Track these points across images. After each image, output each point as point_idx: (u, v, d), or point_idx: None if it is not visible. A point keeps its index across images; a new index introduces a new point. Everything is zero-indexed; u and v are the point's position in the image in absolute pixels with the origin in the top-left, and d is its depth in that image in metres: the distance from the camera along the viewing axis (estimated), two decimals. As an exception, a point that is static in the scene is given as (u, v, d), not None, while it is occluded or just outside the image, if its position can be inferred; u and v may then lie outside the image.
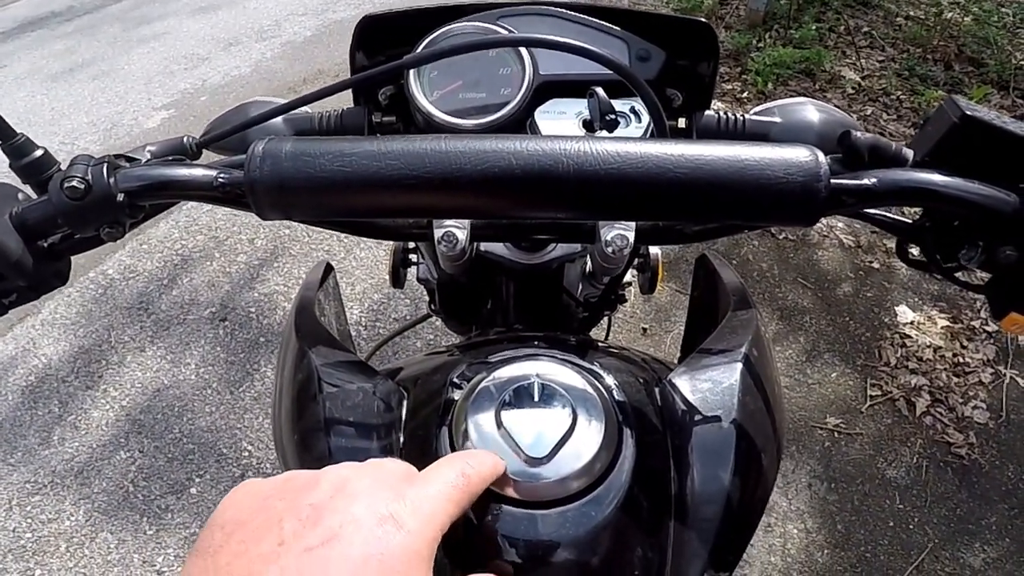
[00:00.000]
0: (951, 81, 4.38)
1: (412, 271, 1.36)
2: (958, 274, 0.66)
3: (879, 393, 2.60)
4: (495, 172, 0.53)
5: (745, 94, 4.25)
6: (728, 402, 0.71)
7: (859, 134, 0.62)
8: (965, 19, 4.87)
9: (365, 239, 3.06)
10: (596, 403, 0.67)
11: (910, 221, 0.67)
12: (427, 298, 1.44)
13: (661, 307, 2.94)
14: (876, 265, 3.08)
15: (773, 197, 0.54)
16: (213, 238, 3.36)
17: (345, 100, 0.96)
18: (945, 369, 2.65)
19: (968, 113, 0.57)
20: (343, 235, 3.16)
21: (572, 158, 0.53)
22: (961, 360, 2.68)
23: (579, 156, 0.53)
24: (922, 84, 4.34)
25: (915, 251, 0.69)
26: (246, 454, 2.45)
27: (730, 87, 4.37)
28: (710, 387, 0.72)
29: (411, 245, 1.34)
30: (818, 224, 3.17)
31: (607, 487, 0.64)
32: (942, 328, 2.79)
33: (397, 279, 1.33)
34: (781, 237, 3.23)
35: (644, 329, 2.86)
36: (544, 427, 0.63)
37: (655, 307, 2.94)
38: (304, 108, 0.91)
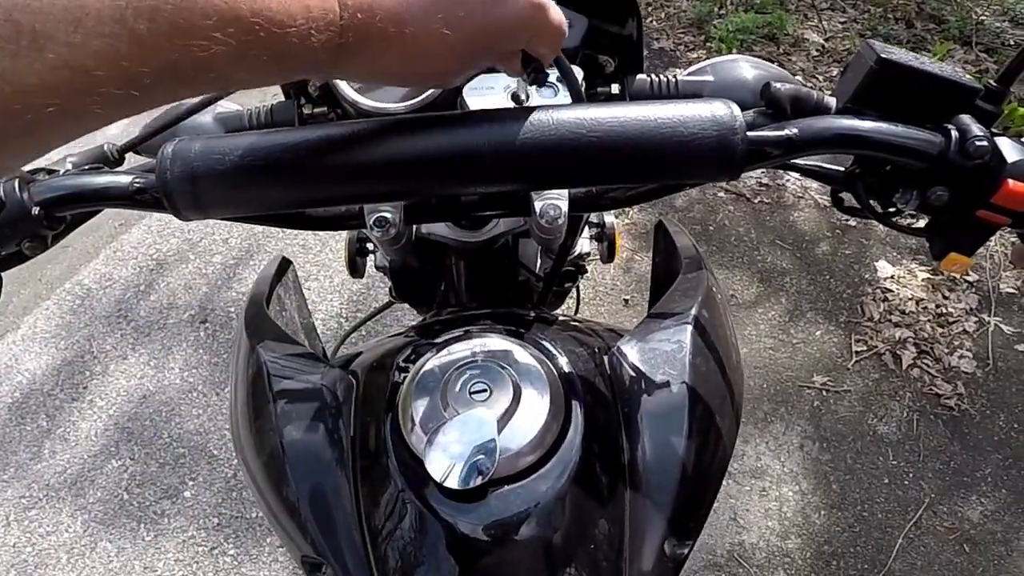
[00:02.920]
0: (913, 39, 4.40)
1: (371, 259, 1.36)
2: (897, 218, 0.67)
3: (864, 348, 2.62)
4: (408, 153, 0.53)
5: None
6: (678, 366, 0.71)
7: (780, 85, 0.63)
8: (923, -24, 4.90)
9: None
10: (541, 376, 0.67)
11: (842, 170, 0.68)
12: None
13: (641, 277, 2.94)
14: (853, 223, 3.10)
15: (689, 154, 0.54)
16: (187, 240, 3.32)
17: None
18: (929, 320, 2.67)
19: (884, 56, 0.58)
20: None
21: (484, 132, 0.53)
22: (944, 311, 2.70)
23: (491, 129, 0.53)
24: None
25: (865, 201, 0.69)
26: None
27: (695, 55, 4.36)
28: (659, 352, 0.73)
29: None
30: (792, 185, 3.21)
31: (557, 461, 0.65)
32: (923, 280, 2.81)
33: (355, 268, 1.31)
34: (756, 201, 3.24)
35: (625, 300, 2.87)
36: (489, 405, 0.63)
37: (635, 278, 2.94)
38: (235, 106, 0.92)
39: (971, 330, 2.63)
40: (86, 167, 0.69)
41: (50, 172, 0.65)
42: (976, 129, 0.57)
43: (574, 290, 1.65)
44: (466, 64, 0.50)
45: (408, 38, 0.44)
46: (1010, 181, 0.56)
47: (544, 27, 0.52)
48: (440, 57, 0.47)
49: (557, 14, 0.54)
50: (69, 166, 0.69)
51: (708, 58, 0.96)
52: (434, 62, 0.47)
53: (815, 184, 3.27)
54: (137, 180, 0.60)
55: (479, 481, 0.58)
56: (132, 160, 0.73)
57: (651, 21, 4.73)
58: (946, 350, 2.57)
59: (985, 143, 0.56)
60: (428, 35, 0.44)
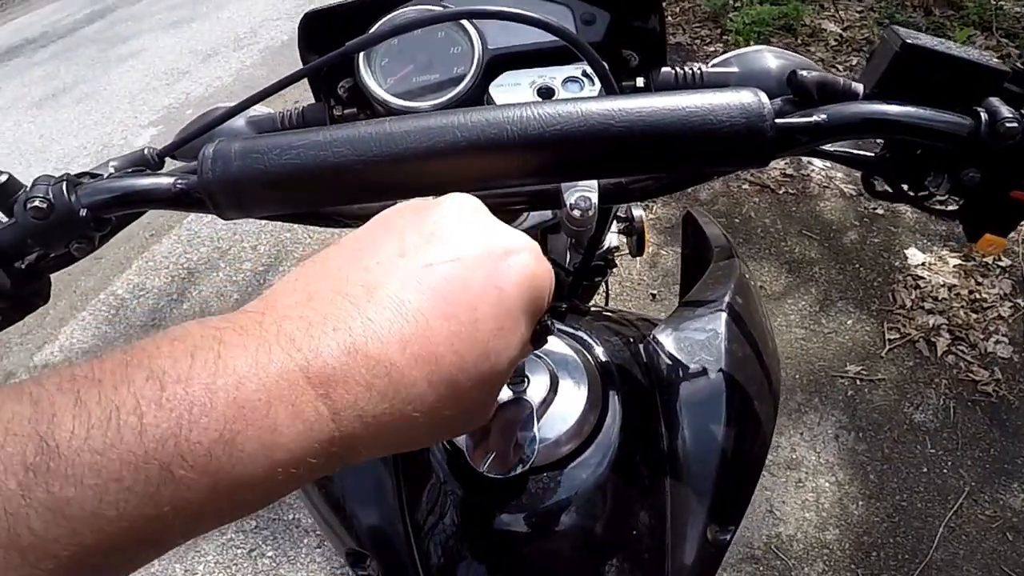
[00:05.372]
0: (932, 26, 4.37)
1: None
2: (929, 202, 0.67)
3: (897, 336, 2.59)
4: (442, 147, 0.54)
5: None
6: (714, 352, 0.72)
7: (806, 72, 0.63)
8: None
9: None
10: (578, 365, 0.68)
11: (872, 155, 0.68)
12: None
13: (668, 272, 2.95)
14: (880, 211, 3.08)
15: (719, 142, 0.55)
16: (216, 249, 3.36)
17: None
18: (962, 306, 2.64)
19: (908, 41, 0.58)
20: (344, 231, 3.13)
21: (515, 124, 0.54)
22: (978, 296, 2.66)
23: (522, 121, 0.54)
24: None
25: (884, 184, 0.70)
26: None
27: (712, 49, 4.36)
28: (694, 339, 0.74)
29: None
30: (817, 175, 3.20)
31: (596, 448, 0.66)
32: (954, 267, 2.78)
33: None
34: (781, 192, 3.23)
35: (653, 295, 2.87)
36: (528, 394, 0.64)
37: (662, 272, 2.95)
38: (267, 109, 0.94)
39: (1006, 315, 2.59)
40: (128, 170, 0.71)
41: (93, 176, 0.66)
42: (1005, 111, 0.57)
43: (603, 285, 1.65)
44: (485, 406, 0.42)
45: (416, 425, 0.36)
46: None
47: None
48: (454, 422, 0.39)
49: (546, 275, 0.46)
50: (111, 170, 0.70)
51: (725, 51, 0.96)
52: (452, 426, 0.40)
53: (840, 173, 3.25)
54: (180, 182, 0.62)
55: (520, 470, 0.58)
56: (170, 165, 0.74)
57: (667, 16, 4.73)
58: (981, 336, 2.54)
59: (1016, 124, 0.56)
60: (431, 415, 0.37)
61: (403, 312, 0.36)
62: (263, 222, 3.12)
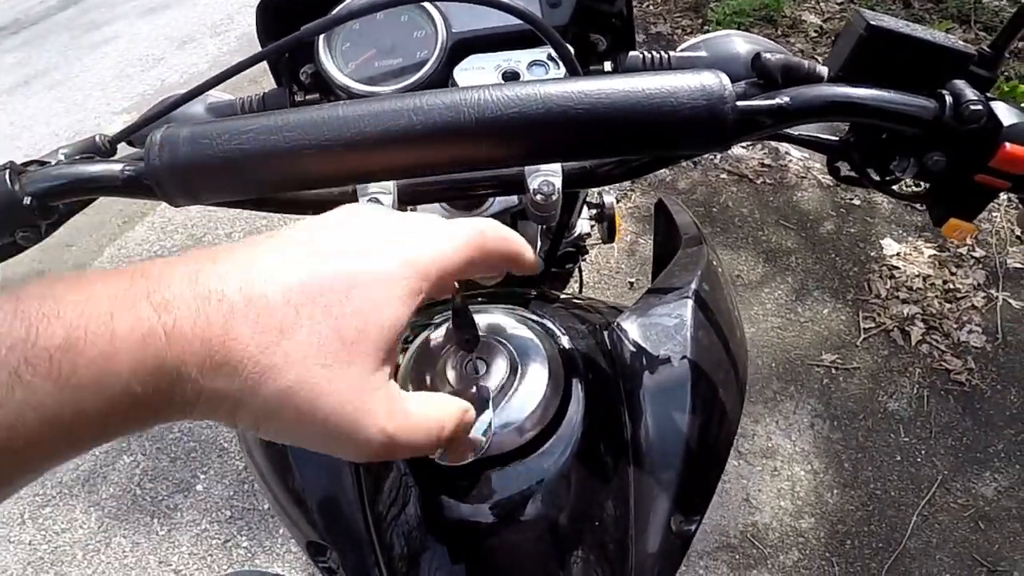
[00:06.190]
0: (912, 18, 4.37)
1: None
2: (895, 186, 0.67)
3: (872, 325, 2.61)
4: (396, 132, 0.53)
5: (708, 45, 4.23)
6: (680, 340, 0.70)
7: (770, 55, 0.62)
8: (920, -47, 4.88)
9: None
10: (540, 351, 0.66)
11: (837, 139, 0.67)
12: None
13: (646, 260, 2.93)
14: (857, 202, 3.09)
15: (679, 124, 0.54)
16: (190, 236, 3.33)
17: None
18: (937, 296, 2.66)
19: (874, 23, 0.57)
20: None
21: (472, 107, 0.53)
22: (952, 286, 2.68)
23: (479, 105, 0.53)
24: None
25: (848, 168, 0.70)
26: (248, 448, 2.43)
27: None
28: (660, 326, 0.72)
29: None
30: (794, 165, 3.20)
31: (558, 437, 0.64)
32: (929, 257, 2.80)
33: None
34: (759, 182, 3.23)
35: (631, 283, 2.87)
36: (485, 380, 0.63)
37: (640, 260, 2.95)
38: (228, 96, 0.92)
39: (979, 305, 2.61)
40: (77, 157, 0.69)
41: (42, 164, 0.65)
42: (970, 93, 0.56)
43: (576, 272, 1.65)
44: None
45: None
46: (1007, 144, 0.56)
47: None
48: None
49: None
50: (61, 157, 0.69)
51: (704, 38, 0.95)
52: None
53: (818, 164, 3.26)
54: (128, 168, 0.61)
55: (472, 458, 0.57)
56: (125, 151, 0.73)
57: (647, 5, 4.73)
58: (955, 325, 2.56)
59: (980, 107, 0.56)
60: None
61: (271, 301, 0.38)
62: (238, 209, 3.09)
